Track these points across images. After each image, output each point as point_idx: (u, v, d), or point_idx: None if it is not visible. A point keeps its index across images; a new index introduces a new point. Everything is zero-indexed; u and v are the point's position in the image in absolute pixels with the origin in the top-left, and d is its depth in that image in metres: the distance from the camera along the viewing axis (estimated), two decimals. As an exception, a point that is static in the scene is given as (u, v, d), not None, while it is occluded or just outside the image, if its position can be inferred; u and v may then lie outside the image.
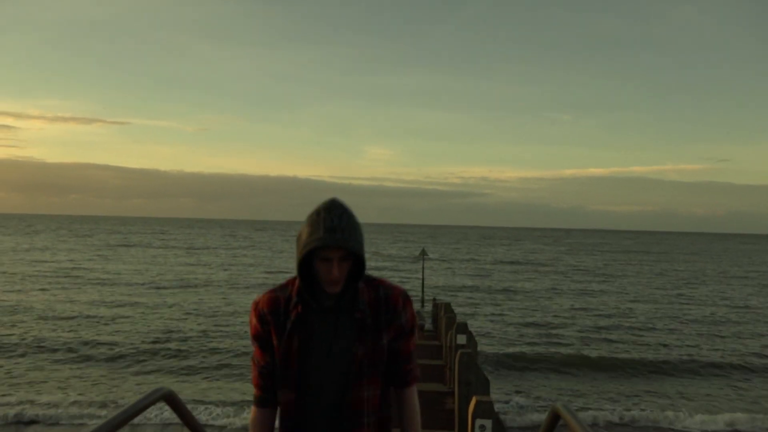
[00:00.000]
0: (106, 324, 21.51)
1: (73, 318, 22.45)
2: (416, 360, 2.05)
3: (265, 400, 1.97)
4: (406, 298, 1.95)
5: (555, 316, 26.38)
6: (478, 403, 5.37)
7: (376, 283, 1.94)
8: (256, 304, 1.95)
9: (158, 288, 32.86)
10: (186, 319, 23.01)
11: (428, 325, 19.14)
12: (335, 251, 1.76)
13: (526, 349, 19.05)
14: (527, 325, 23.76)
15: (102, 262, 47.92)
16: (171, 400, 2.43)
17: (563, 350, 18.98)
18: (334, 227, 1.74)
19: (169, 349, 17.72)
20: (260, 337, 1.93)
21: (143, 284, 34.38)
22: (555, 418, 2.46)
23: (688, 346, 20.25)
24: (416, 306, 23.76)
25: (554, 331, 22.30)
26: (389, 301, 1.91)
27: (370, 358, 1.87)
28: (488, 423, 5.19)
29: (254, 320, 1.94)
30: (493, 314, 26.25)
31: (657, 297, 34.51)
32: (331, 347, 1.87)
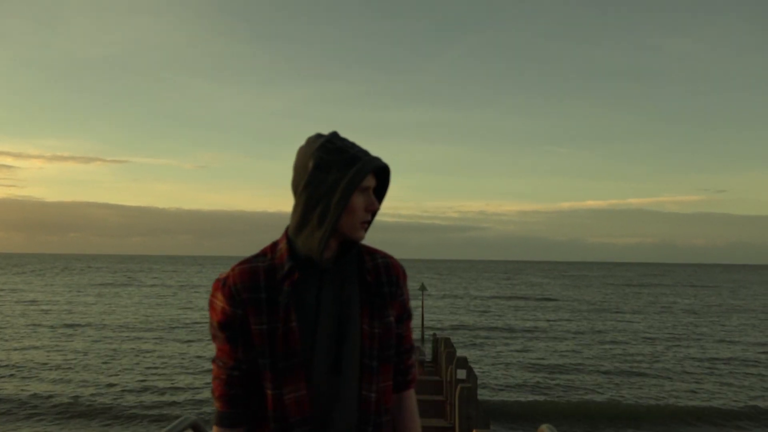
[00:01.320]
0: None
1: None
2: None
3: (234, 418, 1.53)
4: (404, 273, 1.67)
5: (561, 356, 24.21)
6: (477, 435, 5.00)
7: (372, 250, 1.63)
8: (224, 280, 1.50)
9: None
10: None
11: (428, 358, 18.83)
12: (372, 177, 1.53)
13: (531, 397, 16.89)
14: (530, 367, 21.60)
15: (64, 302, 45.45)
16: (197, 428, 2.67)
17: (572, 396, 16.87)
18: (365, 150, 1.54)
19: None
20: (230, 325, 1.49)
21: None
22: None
23: (725, 390, 18.09)
24: (415, 340, 21.74)
25: (562, 376, 20.14)
26: (390, 271, 1.60)
27: (381, 338, 1.55)
28: (487, 455, 4.85)
29: (221, 302, 1.49)
30: (495, 355, 24.10)
31: (672, 332, 32.28)
32: (339, 323, 1.50)
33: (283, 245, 1.54)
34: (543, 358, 23.52)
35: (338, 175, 1.47)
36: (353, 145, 1.52)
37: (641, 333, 32.57)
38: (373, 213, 1.57)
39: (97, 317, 35.66)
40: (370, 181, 1.51)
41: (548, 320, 38.17)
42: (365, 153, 1.52)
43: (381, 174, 1.61)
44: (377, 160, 1.52)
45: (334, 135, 1.53)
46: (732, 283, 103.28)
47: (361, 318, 1.53)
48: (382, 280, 1.59)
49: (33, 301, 45.13)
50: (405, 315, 1.65)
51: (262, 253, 1.57)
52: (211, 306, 1.54)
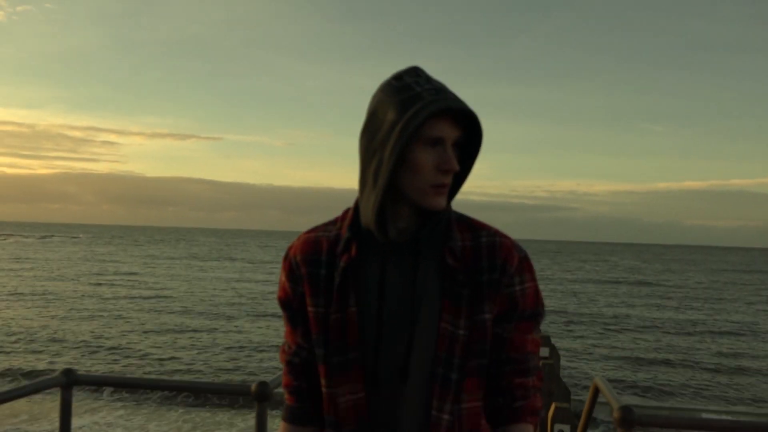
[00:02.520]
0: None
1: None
2: (538, 376, 1.31)
3: (300, 414, 1.35)
4: (524, 259, 1.28)
5: (672, 351, 22.44)
6: (557, 409, 5.38)
7: (476, 225, 1.30)
8: (288, 251, 1.34)
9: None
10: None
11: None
12: (451, 126, 1.19)
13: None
14: (619, 359, 20.04)
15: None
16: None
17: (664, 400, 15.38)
18: (442, 87, 1.20)
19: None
20: (289, 303, 1.33)
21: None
22: (596, 390, 3.10)
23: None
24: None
25: (662, 373, 18.54)
26: (495, 252, 1.25)
27: (468, 341, 1.22)
28: (566, 428, 5.23)
29: (282, 276, 1.35)
30: (580, 344, 22.65)
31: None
32: (410, 312, 1.22)
33: (351, 211, 1.29)
34: (631, 349, 21.89)
35: (394, 119, 1.15)
36: (428, 81, 1.19)
37: (749, 325, 29.98)
38: (454, 174, 1.24)
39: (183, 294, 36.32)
40: (443, 130, 1.17)
41: (643, 305, 35.94)
42: (437, 91, 1.16)
43: (468, 125, 1.23)
44: (449, 100, 1.14)
45: (408, 70, 1.22)
46: None
47: (440, 313, 1.21)
48: (480, 265, 1.24)
49: (131, 273, 46.89)
50: (515, 313, 1.27)
51: (334, 221, 1.34)
52: (279, 282, 1.36)
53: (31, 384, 2.74)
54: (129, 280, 38.94)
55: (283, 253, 1.43)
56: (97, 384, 3.43)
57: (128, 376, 9.49)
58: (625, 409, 2.65)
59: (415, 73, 1.21)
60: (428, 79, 1.20)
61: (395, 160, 1.17)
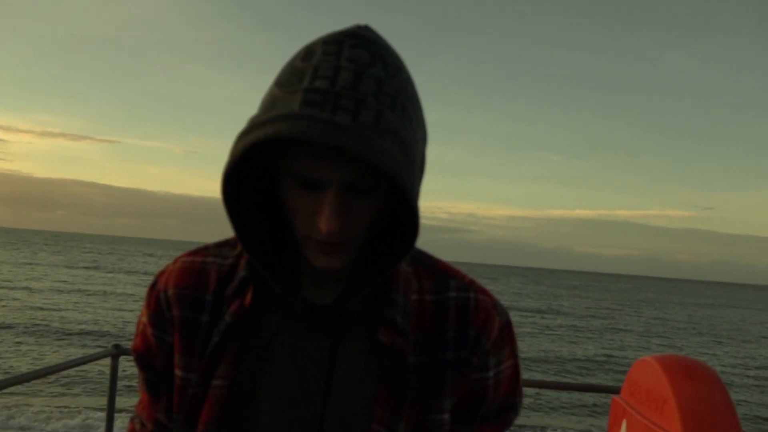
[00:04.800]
0: None
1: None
2: None
3: None
4: (506, 326, 0.92)
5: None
6: None
7: (442, 271, 0.93)
8: (157, 279, 0.93)
9: None
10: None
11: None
12: (328, 164, 0.73)
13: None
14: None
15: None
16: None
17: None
18: (337, 93, 0.71)
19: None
20: (150, 361, 0.93)
21: None
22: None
23: None
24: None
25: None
26: (469, 317, 0.89)
27: None
28: None
29: (145, 317, 0.93)
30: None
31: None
32: (319, 404, 0.85)
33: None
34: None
35: (250, 124, 0.74)
36: (338, 68, 0.71)
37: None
38: (335, 235, 0.77)
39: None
40: (319, 170, 0.73)
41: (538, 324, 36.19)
42: (320, 94, 0.70)
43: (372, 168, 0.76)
44: (309, 125, 0.68)
45: (335, 37, 0.75)
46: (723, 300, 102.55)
47: (371, 409, 0.83)
48: (445, 336, 0.87)
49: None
50: (480, 410, 0.91)
51: (233, 242, 0.94)
52: (138, 320, 0.95)
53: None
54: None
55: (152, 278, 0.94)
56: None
57: None
58: None
59: (336, 46, 0.73)
60: (357, 65, 0.71)
61: (226, 198, 0.79)
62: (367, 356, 0.85)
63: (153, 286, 0.91)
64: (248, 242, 0.82)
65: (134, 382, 13.32)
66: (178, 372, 0.88)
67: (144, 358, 0.92)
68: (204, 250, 0.92)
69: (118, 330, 22.10)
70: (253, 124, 0.72)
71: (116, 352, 3.54)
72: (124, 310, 27.86)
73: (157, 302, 0.90)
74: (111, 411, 3.69)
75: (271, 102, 0.73)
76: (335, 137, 0.66)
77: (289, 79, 0.73)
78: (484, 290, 0.91)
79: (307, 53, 0.74)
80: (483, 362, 0.88)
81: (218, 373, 0.85)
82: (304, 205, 0.76)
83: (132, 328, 21.01)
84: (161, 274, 0.92)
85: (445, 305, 0.88)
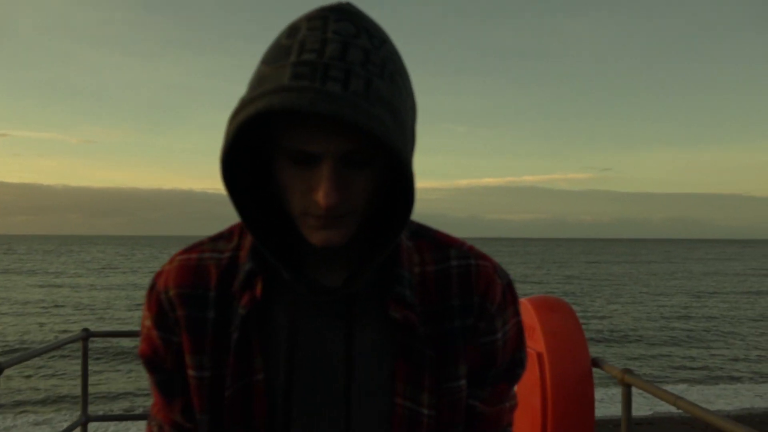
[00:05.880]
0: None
1: None
2: None
3: None
4: (508, 288, 0.92)
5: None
6: None
7: (442, 241, 0.93)
8: (155, 282, 0.90)
9: None
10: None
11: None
12: (325, 135, 0.73)
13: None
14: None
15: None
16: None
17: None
18: (326, 64, 0.70)
19: None
20: (159, 364, 0.90)
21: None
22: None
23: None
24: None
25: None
26: (471, 284, 0.89)
27: (437, 423, 0.86)
28: None
29: (149, 320, 0.90)
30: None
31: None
32: (343, 384, 0.85)
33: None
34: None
35: (239, 104, 0.74)
36: (325, 40, 0.72)
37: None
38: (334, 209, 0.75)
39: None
40: (312, 142, 0.73)
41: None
42: (312, 70, 0.69)
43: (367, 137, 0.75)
44: (302, 96, 0.68)
45: (320, 12, 0.75)
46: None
47: (393, 383, 0.85)
48: (450, 305, 0.87)
49: None
50: (491, 372, 0.91)
51: (227, 235, 0.92)
52: (141, 328, 0.92)
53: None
54: None
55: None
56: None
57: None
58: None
59: (321, 21, 0.74)
60: (344, 38, 0.73)
61: (227, 180, 0.79)
62: (381, 334, 0.86)
63: (152, 288, 0.90)
64: (253, 228, 0.82)
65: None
66: (191, 372, 0.87)
67: (152, 361, 0.91)
68: (199, 246, 0.92)
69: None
70: (243, 103, 0.72)
71: (86, 335, 3.87)
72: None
73: (159, 304, 0.88)
74: (85, 389, 3.94)
75: (258, 80, 0.74)
76: (327, 106, 0.67)
77: (275, 55, 0.74)
78: (484, 256, 0.92)
79: (292, 30, 0.75)
80: (490, 326, 0.89)
81: (256, 366, 0.85)
82: (300, 183, 0.76)
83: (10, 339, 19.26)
84: (159, 275, 0.91)
85: (447, 274, 0.88)
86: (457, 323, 0.87)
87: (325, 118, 0.72)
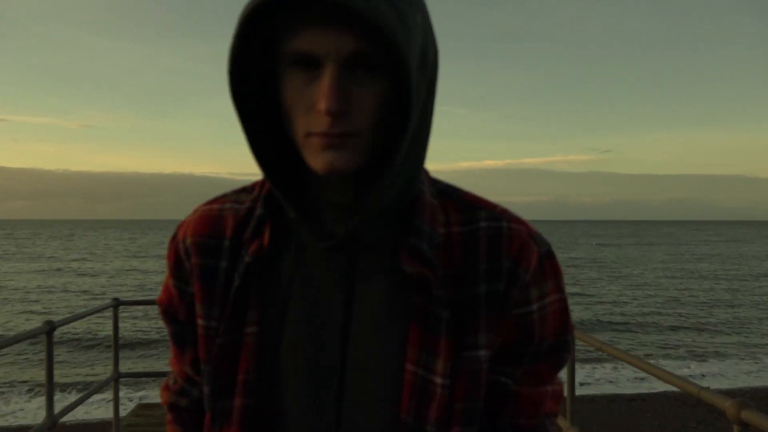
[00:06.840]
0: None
1: None
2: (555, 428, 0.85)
3: (183, 420, 0.96)
4: (547, 256, 0.82)
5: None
6: None
7: (471, 202, 0.83)
8: (177, 231, 0.90)
9: None
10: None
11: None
12: (325, 34, 0.67)
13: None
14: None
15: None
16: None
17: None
18: None
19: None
20: (174, 313, 0.90)
21: None
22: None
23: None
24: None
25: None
26: (502, 247, 0.79)
27: (450, 394, 0.76)
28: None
29: (168, 269, 0.90)
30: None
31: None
32: (343, 358, 0.78)
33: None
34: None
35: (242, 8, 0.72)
36: None
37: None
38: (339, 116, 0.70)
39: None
40: (313, 41, 0.68)
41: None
42: None
43: (374, 35, 0.69)
44: None
45: None
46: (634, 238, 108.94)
47: (403, 348, 0.77)
48: (476, 269, 0.79)
49: None
50: (529, 349, 0.83)
51: (250, 187, 0.90)
52: (166, 274, 0.93)
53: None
54: None
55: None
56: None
57: None
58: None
59: None
60: None
61: (232, 86, 0.74)
62: (392, 291, 0.78)
63: (173, 238, 0.90)
64: (264, 165, 0.77)
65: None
66: (200, 321, 0.85)
67: (168, 311, 0.91)
68: (222, 198, 0.90)
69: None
70: (245, 5, 0.70)
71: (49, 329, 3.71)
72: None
73: (176, 253, 0.88)
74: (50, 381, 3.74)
75: None
76: None
77: None
78: (518, 219, 0.83)
79: None
80: (524, 296, 0.80)
81: (249, 319, 0.81)
82: (303, 98, 0.70)
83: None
84: (181, 225, 0.90)
85: (475, 236, 0.80)
86: (482, 288, 0.79)
87: (328, 7, 0.68)
